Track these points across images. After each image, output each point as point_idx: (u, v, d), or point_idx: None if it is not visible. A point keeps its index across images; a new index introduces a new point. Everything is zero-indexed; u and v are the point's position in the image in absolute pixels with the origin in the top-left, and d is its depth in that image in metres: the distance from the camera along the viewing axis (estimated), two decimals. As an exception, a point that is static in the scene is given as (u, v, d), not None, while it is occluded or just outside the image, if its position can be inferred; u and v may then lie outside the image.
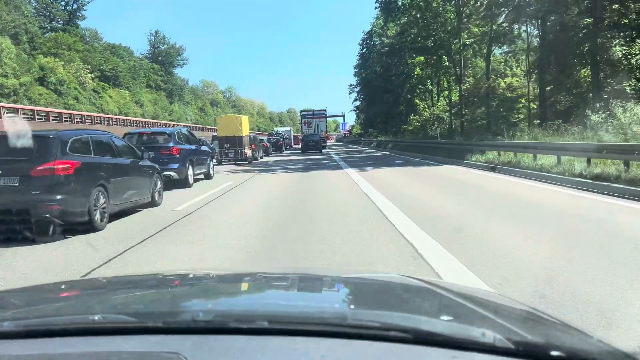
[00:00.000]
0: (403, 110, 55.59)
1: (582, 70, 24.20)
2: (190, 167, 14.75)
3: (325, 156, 32.76)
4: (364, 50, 63.52)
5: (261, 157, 31.88)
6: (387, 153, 33.73)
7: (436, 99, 49.30)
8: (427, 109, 47.80)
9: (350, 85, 74.49)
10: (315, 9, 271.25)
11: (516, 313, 1.37)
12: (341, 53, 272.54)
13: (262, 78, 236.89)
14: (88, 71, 70.09)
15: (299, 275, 2.03)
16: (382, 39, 55.92)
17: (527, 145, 14.88)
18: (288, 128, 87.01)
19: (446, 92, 43.67)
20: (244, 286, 1.78)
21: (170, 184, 14.27)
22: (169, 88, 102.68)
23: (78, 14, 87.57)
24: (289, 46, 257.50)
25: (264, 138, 38.69)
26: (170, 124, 76.70)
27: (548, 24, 24.38)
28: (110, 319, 1.18)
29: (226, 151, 26.31)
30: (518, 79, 37.04)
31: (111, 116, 55.71)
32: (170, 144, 14.11)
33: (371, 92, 63.32)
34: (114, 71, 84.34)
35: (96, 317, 1.17)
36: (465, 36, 35.29)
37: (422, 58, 43.78)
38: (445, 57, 39.25)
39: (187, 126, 70.80)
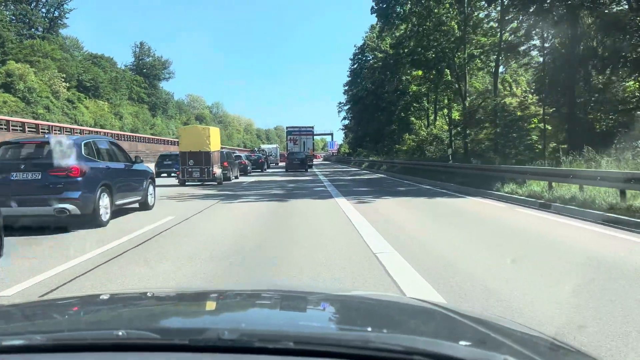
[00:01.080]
0: (396, 129, 50.88)
1: (630, 83, 19.54)
2: (105, 196, 9.50)
3: (311, 177, 27.67)
4: (355, 66, 58.88)
5: (236, 177, 26.66)
6: (383, 176, 28.69)
7: (432, 117, 44.58)
8: (423, 128, 43.04)
9: (340, 103, 69.57)
10: (307, 27, 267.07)
11: (533, 340, 1.34)
12: (332, 71, 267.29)
13: (251, 94, 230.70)
14: (62, 80, 64.75)
15: (316, 294, 1.97)
16: (375, 52, 51.40)
17: (610, 177, 9.81)
18: (274, 145, 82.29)
19: (445, 110, 38.95)
20: (264, 304, 1.76)
21: (74, 222, 9.04)
22: (153, 101, 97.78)
23: (59, 22, 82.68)
24: (279, 63, 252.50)
25: (243, 155, 33.50)
26: (152, 138, 71.38)
27: (589, 23, 19.76)
28: (138, 335, 1.16)
29: (190, 169, 21.08)
30: (518, 98, 32.46)
31: (77, 127, 50.15)
32: (69, 161, 8.86)
33: (361, 109, 58.62)
34: (93, 82, 79.33)
35: (121, 333, 1.14)
36: (471, 47, 30.74)
37: (420, 72, 39.11)
38: (447, 71, 34.61)
39: (133, 136, 64.33)
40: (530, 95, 31.12)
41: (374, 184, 21.48)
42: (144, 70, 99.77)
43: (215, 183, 21.57)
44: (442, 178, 19.48)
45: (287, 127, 49.14)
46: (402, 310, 1.60)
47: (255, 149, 59.84)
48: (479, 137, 32.51)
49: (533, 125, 29.27)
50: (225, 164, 24.05)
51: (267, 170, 41.40)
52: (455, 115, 38.35)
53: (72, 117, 63.97)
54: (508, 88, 37.16)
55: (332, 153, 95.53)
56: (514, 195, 13.09)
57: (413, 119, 46.33)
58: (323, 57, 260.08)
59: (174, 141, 73.05)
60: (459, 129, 38.17)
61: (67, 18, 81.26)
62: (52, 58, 70.08)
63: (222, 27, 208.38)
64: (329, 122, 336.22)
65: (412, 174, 24.07)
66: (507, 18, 29.20)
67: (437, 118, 42.76)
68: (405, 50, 36.40)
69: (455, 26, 31.92)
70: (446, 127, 41.16)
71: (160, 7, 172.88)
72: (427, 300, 1.72)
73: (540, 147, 29.92)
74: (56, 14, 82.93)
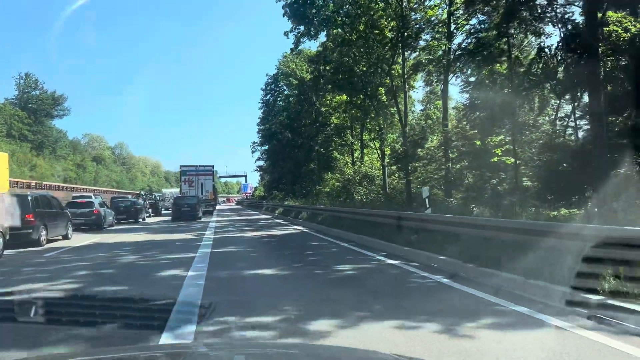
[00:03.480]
0: (315, 168, 41.72)
1: None
2: None
3: (193, 235, 17.06)
4: (268, 97, 49.58)
5: (64, 237, 15.54)
6: (304, 230, 18.62)
7: (358, 153, 35.79)
8: (349, 166, 34.11)
9: (253, 143, 58.59)
10: (220, 62, 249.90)
11: None
12: (249, 111, 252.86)
13: (160, 135, 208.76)
14: None
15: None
16: (290, 79, 42.55)
17: None
18: (177, 189, 70.55)
19: (377, 142, 30.22)
20: None
21: None
22: (39, 139, 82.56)
23: None
24: (194, 102, 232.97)
25: (97, 200, 22.18)
26: (25, 182, 56.56)
27: None
28: None
29: None
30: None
31: None
32: None
33: (277, 148, 49.14)
34: (-43, 115, 64.42)
35: None
36: (415, 55, 22.38)
37: (344, 97, 30.47)
38: (382, 90, 26.08)
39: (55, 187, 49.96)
40: (463, 129, 23.17)
41: (291, 252, 11.37)
42: (30, 105, 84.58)
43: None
44: (414, 242, 9.95)
45: (180, 167, 38.08)
46: None
47: (142, 192, 47.95)
48: (426, 174, 23.86)
49: (496, 159, 21.04)
50: (30, 216, 13.07)
51: (146, 220, 30.32)
52: (388, 150, 29.81)
53: None
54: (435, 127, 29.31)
55: (246, 196, 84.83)
56: None
57: (336, 154, 37.37)
58: (240, 97, 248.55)
59: (62, 186, 57.28)
60: (394, 167, 29.62)
61: None
62: None
63: (130, 62, 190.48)
64: (247, 163, 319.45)
65: (351, 229, 14.40)
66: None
67: (366, 153, 34.05)
68: (328, 67, 27.55)
69: (389, 35, 23.59)
70: (377, 164, 32.56)
71: (64, 40, 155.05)
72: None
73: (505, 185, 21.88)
74: None
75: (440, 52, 21.31)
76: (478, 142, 21.95)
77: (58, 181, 69.06)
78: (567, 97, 23.69)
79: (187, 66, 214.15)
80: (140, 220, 29.24)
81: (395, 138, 31.10)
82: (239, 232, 17.94)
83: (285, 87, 46.21)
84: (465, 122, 23.78)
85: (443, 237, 9.31)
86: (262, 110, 51.35)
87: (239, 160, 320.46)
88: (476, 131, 22.17)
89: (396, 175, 30.45)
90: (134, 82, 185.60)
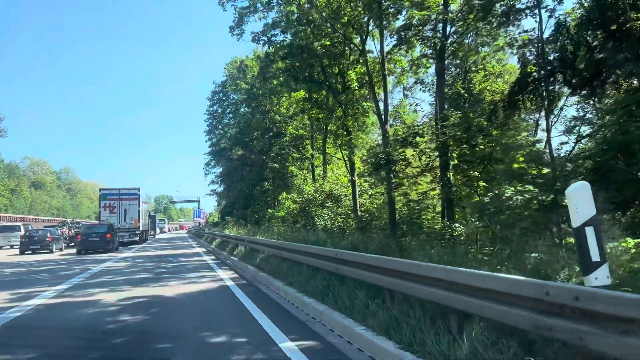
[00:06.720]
0: (270, 189, 33.77)
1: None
2: None
3: (12, 297, 8.85)
4: (215, 107, 41.50)
5: None
6: (228, 283, 10.06)
7: (320, 170, 28.07)
8: (309, 183, 26.36)
9: (206, 164, 48.46)
10: (172, 83, 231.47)
11: None
12: (202, 132, 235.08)
13: (110, 160, 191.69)
14: None
15: None
16: (238, 82, 34.81)
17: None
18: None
19: (345, 150, 22.55)
20: None
21: None
22: (-36, 162, 71.55)
23: None
24: (147, 125, 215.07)
25: None
26: None
27: None
28: None
29: None
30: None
31: None
32: None
33: (229, 169, 40.98)
34: None
35: None
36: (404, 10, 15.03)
37: (302, 92, 22.91)
38: (351, 74, 18.66)
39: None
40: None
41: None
42: (-45, 124, 73.07)
43: None
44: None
45: (100, 190, 29.46)
46: None
47: (67, 221, 38.86)
48: (421, 191, 16.35)
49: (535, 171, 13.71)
50: None
51: (63, 250, 23.16)
52: (358, 164, 22.36)
53: None
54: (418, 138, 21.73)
55: (198, 223, 75.60)
56: None
57: (293, 168, 29.57)
58: (196, 119, 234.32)
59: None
60: (366, 183, 22.22)
61: None
62: None
63: (78, 87, 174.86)
64: (203, 187, 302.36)
65: (310, 288, 6.57)
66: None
67: (330, 167, 26.39)
68: (280, 52, 20.06)
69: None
70: (345, 180, 24.98)
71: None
72: None
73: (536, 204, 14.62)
74: None
75: (435, 13, 14.07)
76: (495, 132, 14.46)
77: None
78: (583, 92, 17.09)
79: (142, 89, 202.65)
80: (58, 250, 25.58)
81: (364, 154, 23.57)
82: (115, 285, 9.66)
83: (233, 95, 38.37)
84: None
85: None
86: (207, 123, 43.05)
87: (196, 185, 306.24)
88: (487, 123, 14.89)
89: (368, 193, 22.97)
90: (82, 107, 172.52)
